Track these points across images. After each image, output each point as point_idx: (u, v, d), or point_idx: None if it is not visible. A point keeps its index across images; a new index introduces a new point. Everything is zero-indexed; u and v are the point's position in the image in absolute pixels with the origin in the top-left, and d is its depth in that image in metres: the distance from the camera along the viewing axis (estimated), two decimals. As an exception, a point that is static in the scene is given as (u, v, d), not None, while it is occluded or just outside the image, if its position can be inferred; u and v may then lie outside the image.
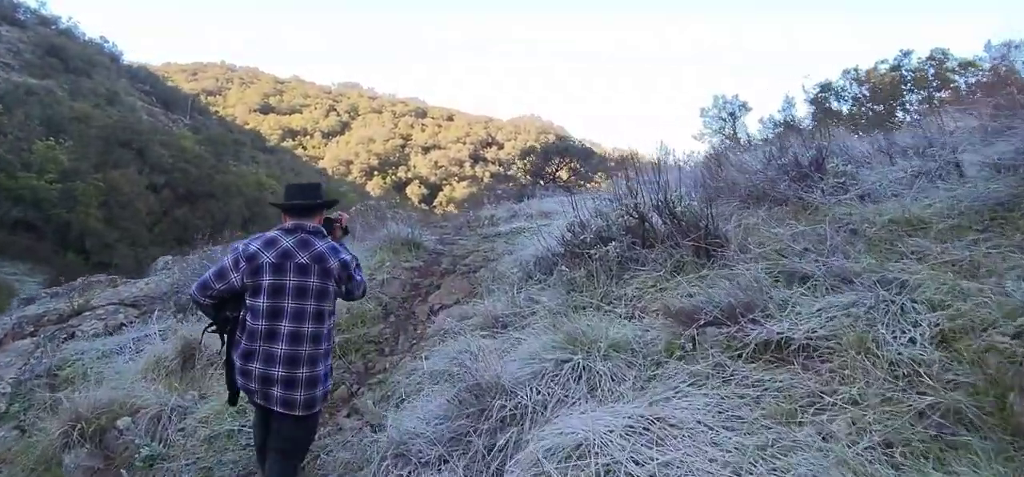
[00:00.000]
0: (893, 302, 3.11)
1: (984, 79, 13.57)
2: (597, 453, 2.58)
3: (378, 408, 4.23)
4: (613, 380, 3.26)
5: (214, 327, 3.38)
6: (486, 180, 78.92)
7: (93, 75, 49.39)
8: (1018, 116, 5.13)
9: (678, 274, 4.26)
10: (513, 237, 7.68)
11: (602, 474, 2.50)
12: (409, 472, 3.26)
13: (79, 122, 34.44)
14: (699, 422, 2.69)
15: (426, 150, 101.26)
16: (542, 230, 7.46)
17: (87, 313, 7.74)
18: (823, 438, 2.46)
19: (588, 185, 15.54)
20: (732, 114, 13.78)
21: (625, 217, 4.77)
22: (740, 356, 3.08)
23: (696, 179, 6.22)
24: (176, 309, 6.73)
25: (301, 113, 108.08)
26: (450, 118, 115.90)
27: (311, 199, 3.41)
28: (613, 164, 16.27)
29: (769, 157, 5.60)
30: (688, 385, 3.02)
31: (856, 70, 15.17)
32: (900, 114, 13.83)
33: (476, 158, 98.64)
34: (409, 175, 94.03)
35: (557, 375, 3.35)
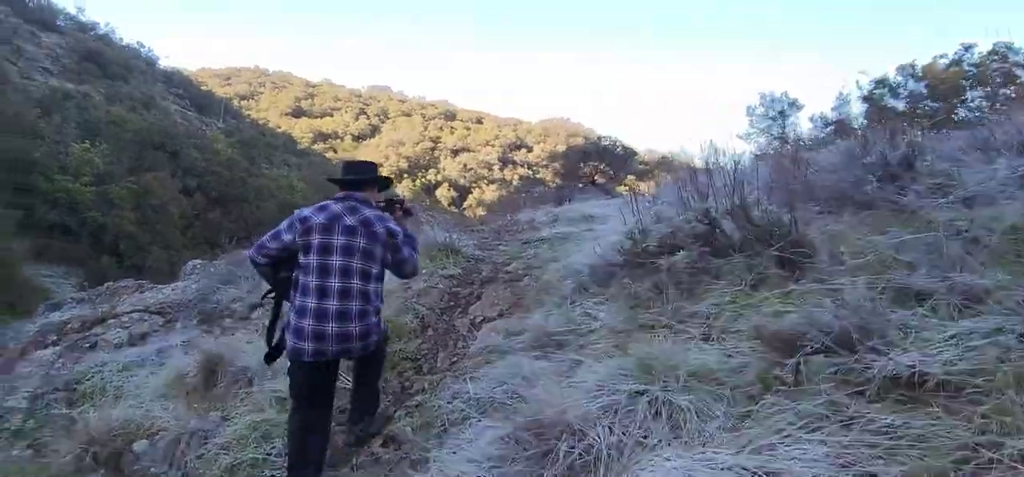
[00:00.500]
0: (1050, 329, 2.54)
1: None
2: (699, 520, 2.07)
3: (418, 437, 3.76)
4: (699, 418, 2.74)
5: (272, 293, 3.67)
6: (515, 183, 78.56)
7: (129, 80, 50.08)
8: None
9: (760, 288, 3.72)
10: (557, 243, 7.19)
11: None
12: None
13: (115, 126, 34.76)
14: (822, 480, 2.17)
15: (455, 153, 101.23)
16: (590, 236, 6.99)
17: (111, 321, 7.41)
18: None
19: (625, 187, 14.97)
20: (781, 112, 13.08)
21: (693, 223, 4.23)
22: (862, 393, 2.53)
23: (760, 181, 5.65)
24: (200, 319, 6.35)
25: (332, 116, 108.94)
26: (479, 120, 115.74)
27: (362, 174, 3.72)
28: (648, 166, 15.68)
29: (850, 155, 5.01)
30: (797, 428, 2.48)
31: (912, 66, 14.36)
32: (962, 112, 12.99)
33: (505, 161, 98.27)
34: (438, 178, 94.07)
35: (632, 410, 2.84)
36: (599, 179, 14.15)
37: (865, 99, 14.15)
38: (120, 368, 5.78)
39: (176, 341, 5.92)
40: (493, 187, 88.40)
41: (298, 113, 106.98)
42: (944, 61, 14.19)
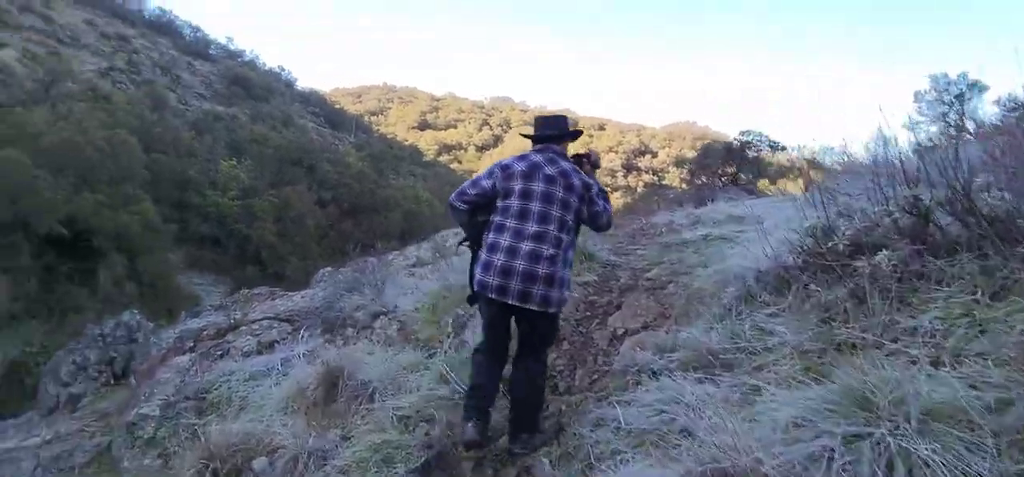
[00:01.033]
0: None
1: None
2: None
3: (559, 473, 3.18)
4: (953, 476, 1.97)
5: (467, 242, 3.71)
6: (640, 189, 76.86)
7: (271, 100, 53.61)
8: None
9: (1003, 298, 2.83)
10: (703, 245, 6.41)
11: None
12: None
13: (257, 144, 37.21)
14: None
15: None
16: (742, 238, 6.16)
17: (243, 328, 7.42)
18: None
19: (772, 187, 13.74)
20: (960, 95, 11.37)
21: (896, 215, 3.38)
22: None
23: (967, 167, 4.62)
24: (324, 328, 6.13)
25: (456, 128, 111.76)
26: (602, 127, 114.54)
27: (556, 129, 3.72)
28: (794, 164, 14.32)
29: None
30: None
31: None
32: None
33: (629, 167, 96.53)
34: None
35: (853, 461, 2.10)
36: (741, 179, 13.03)
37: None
38: (246, 377, 5.63)
39: (300, 350, 5.70)
40: (617, 194, 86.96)
41: (424, 126, 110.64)
42: None
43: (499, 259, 3.34)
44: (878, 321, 2.93)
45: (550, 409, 4.01)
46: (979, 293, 2.87)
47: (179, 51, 55.61)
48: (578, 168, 3.67)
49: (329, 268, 12.85)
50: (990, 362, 2.48)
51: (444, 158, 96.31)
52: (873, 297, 3.03)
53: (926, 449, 2.05)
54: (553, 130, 3.71)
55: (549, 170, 3.49)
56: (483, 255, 3.45)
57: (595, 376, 4.21)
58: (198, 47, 60.42)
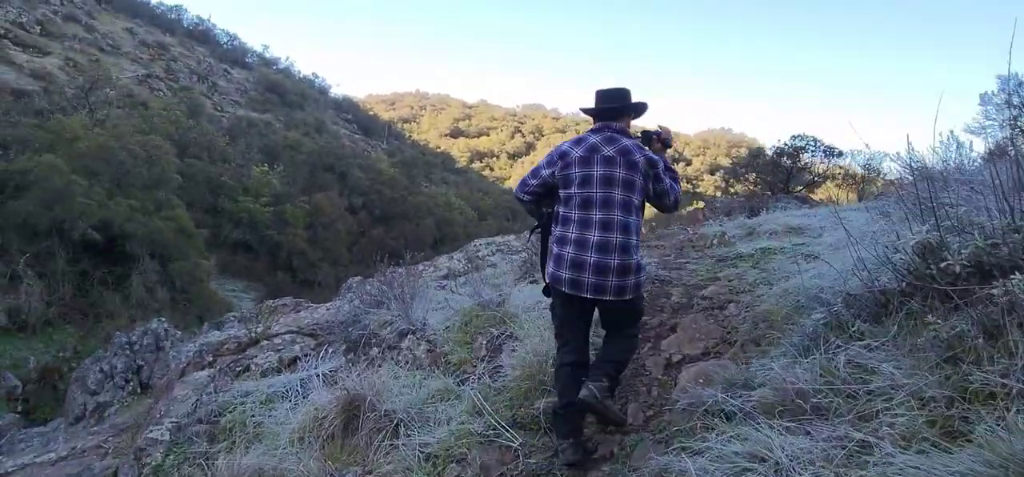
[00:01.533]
0: None
1: None
2: None
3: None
4: None
5: (539, 229, 3.67)
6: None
7: (305, 107, 53.94)
8: None
9: None
10: (763, 260, 5.80)
11: None
12: None
13: (290, 150, 37.29)
14: None
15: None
16: (804, 251, 5.56)
17: (264, 343, 7.01)
18: None
19: (829, 196, 12.95)
20: (1030, 97, 10.53)
21: (1028, 230, 2.77)
22: None
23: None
24: (347, 346, 5.65)
25: (488, 136, 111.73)
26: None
27: (616, 102, 3.53)
28: (846, 172, 13.56)
29: None
30: None
31: None
32: None
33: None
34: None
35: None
36: (794, 188, 12.29)
37: None
38: (263, 400, 5.19)
39: (320, 370, 5.24)
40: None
41: (456, 133, 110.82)
42: None
43: (569, 252, 3.26)
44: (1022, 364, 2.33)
45: (599, 451, 3.48)
46: None
47: (216, 59, 56.35)
48: (643, 146, 3.50)
49: (358, 278, 12.48)
50: None
51: (476, 165, 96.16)
52: (1011, 332, 2.44)
53: None
54: (613, 104, 3.52)
55: (608, 151, 3.34)
56: (554, 248, 3.38)
57: (651, 412, 3.66)
58: (235, 55, 61.20)
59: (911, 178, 6.47)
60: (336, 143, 44.90)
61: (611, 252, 3.21)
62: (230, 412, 5.15)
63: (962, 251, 2.88)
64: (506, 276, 7.00)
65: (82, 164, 21.35)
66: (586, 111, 3.61)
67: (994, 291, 2.51)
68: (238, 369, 6.49)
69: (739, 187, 14.45)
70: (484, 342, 4.82)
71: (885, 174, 12.35)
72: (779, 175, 12.35)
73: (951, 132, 8.84)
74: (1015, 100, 11.26)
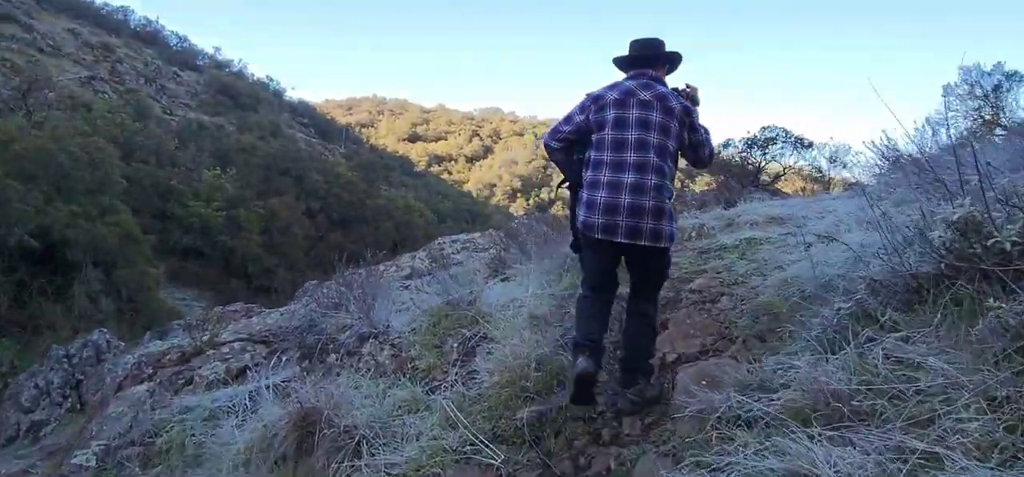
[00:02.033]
0: None
1: None
2: None
3: None
4: None
5: (567, 183, 3.50)
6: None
7: (259, 110, 52.44)
8: None
9: None
10: (749, 250, 5.45)
11: None
12: None
13: (244, 153, 36.10)
14: None
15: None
16: (793, 241, 5.21)
17: (211, 352, 6.39)
18: None
19: (797, 186, 12.80)
20: (996, 87, 10.46)
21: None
22: None
23: None
24: (302, 353, 5.09)
25: (446, 139, 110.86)
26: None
27: (652, 50, 3.43)
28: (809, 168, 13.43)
29: None
30: None
31: None
32: None
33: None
34: (552, 196, 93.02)
35: None
36: (764, 178, 12.08)
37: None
38: (206, 416, 4.62)
39: (270, 381, 4.68)
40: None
41: (414, 138, 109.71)
42: None
43: (602, 196, 3.11)
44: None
45: (593, 467, 3.03)
46: None
47: (165, 61, 54.49)
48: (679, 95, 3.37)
49: (315, 281, 11.82)
50: None
51: (435, 169, 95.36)
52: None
53: None
54: (647, 51, 3.40)
55: (644, 95, 3.23)
56: (584, 194, 3.21)
57: (650, 419, 3.22)
58: (185, 56, 59.31)
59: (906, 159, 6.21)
60: (292, 147, 43.71)
61: (647, 194, 3.05)
62: (168, 431, 4.57)
63: (1010, 226, 2.52)
64: (476, 274, 6.51)
65: (18, 167, 20.09)
66: (618, 62, 3.46)
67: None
68: (180, 382, 5.88)
69: (699, 184, 14.27)
70: (455, 344, 4.33)
71: (851, 166, 12.27)
72: (746, 172, 12.13)
73: (927, 120, 8.65)
74: (978, 91, 11.25)
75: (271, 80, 67.33)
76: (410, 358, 4.38)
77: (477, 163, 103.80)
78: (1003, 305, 2.23)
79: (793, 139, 11.92)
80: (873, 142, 7.92)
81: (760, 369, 2.95)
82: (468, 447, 3.22)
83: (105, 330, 11.65)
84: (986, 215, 2.54)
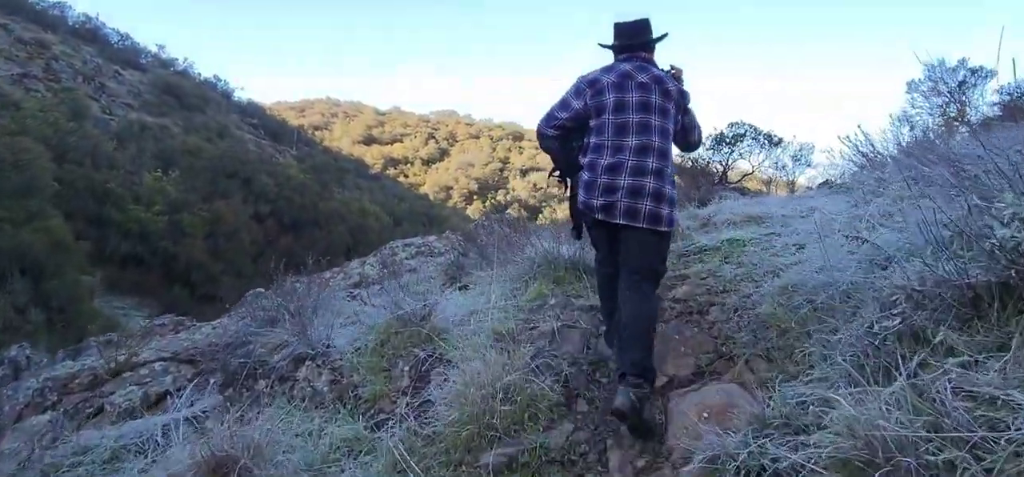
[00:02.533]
0: None
1: None
2: None
3: None
4: None
5: (558, 172, 3.49)
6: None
7: (206, 111, 50.51)
8: None
9: None
10: (732, 252, 4.94)
11: None
12: None
13: (189, 155, 34.50)
14: None
15: (524, 173, 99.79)
16: (779, 241, 4.75)
17: (128, 374, 5.59)
18: None
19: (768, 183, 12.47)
20: (961, 83, 10.28)
21: None
22: None
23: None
24: (225, 379, 4.36)
25: (402, 142, 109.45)
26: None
27: (640, 37, 3.31)
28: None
29: None
30: None
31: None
32: None
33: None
34: (508, 198, 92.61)
35: None
36: (730, 176, 11.70)
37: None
38: (108, 456, 3.86)
39: (191, 411, 3.96)
40: (565, 206, 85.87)
41: (369, 141, 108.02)
42: None
43: (602, 179, 3.03)
44: None
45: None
46: None
47: (106, 59, 52.08)
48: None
49: (260, 289, 10.97)
50: None
51: (391, 172, 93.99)
52: None
53: None
54: (636, 39, 3.29)
55: (642, 78, 3.15)
56: (584, 176, 3.14)
57: (643, 462, 2.64)
58: (127, 55, 56.71)
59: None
60: (240, 148, 42.13)
61: (647, 175, 2.98)
62: (63, 473, 3.80)
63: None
64: (431, 282, 5.86)
65: (-68, 169, 18.62)
66: (607, 46, 3.38)
67: None
68: (89, 411, 5.08)
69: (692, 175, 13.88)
70: (406, 368, 3.68)
71: (816, 164, 12.04)
72: (709, 172, 11.77)
73: (903, 113, 8.31)
74: (942, 88, 11.08)
75: (219, 79, 65.11)
76: (352, 385, 3.69)
77: (433, 166, 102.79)
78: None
79: (762, 136, 11.60)
80: (848, 137, 7.56)
81: (780, 401, 2.39)
82: (422, 503, 2.59)
83: (25, 345, 10.59)
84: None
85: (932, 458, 1.76)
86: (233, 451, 2.80)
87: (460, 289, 5.34)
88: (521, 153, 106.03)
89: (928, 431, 1.84)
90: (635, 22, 3.34)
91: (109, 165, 29.40)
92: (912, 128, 7.13)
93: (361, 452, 3.03)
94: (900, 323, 2.25)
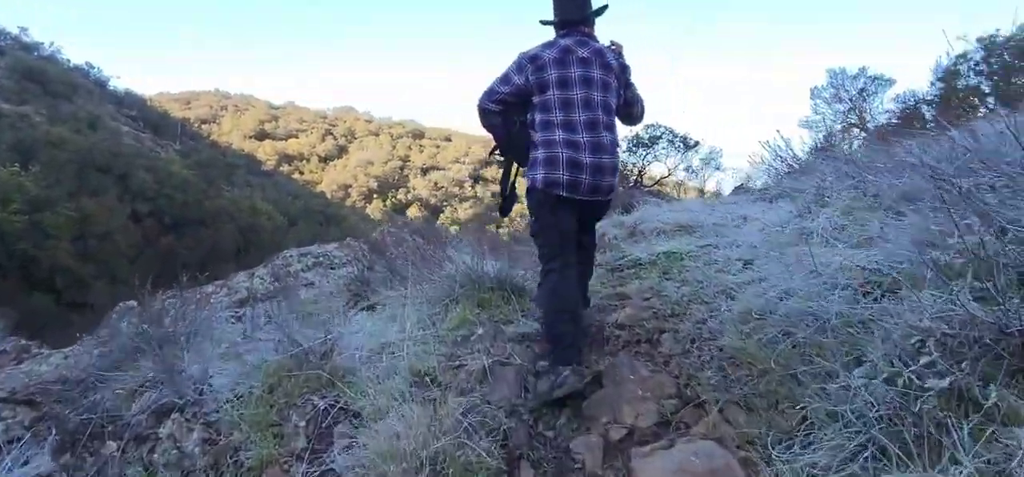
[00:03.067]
0: None
1: None
2: None
3: None
4: None
5: (498, 151, 3.35)
6: (488, 201, 76.41)
7: (74, 99, 46.29)
8: None
9: None
10: (671, 267, 4.49)
11: None
12: None
13: (53, 147, 31.28)
14: None
15: (425, 171, 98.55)
16: (719, 254, 4.37)
17: (-56, 422, 4.48)
18: None
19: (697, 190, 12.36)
20: (862, 90, 10.51)
21: None
22: None
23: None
24: (62, 439, 3.41)
25: (297, 138, 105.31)
26: (448, 138, 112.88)
27: (579, 12, 3.26)
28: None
29: None
30: None
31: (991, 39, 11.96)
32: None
33: (477, 178, 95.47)
34: (409, 197, 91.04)
35: None
36: (650, 183, 11.49)
37: (941, 79, 11.57)
38: None
39: (21, 474, 3.05)
40: (466, 205, 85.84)
41: (262, 136, 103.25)
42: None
43: (563, 153, 3.00)
44: None
45: None
46: None
47: (-45, 42, 46.79)
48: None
49: (134, 302, 9.67)
50: None
51: (285, 169, 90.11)
52: None
53: None
54: (576, 13, 3.24)
55: (582, 52, 3.13)
56: (540, 153, 3.08)
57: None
58: (-17, 38, 51.38)
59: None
60: (114, 141, 38.73)
61: (605, 152, 3.05)
62: None
63: None
64: (331, 300, 5.08)
65: None
66: (546, 23, 3.33)
67: None
68: None
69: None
70: (302, 424, 2.94)
71: (726, 168, 12.08)
72: (624, 177, 11.54)
73: (830, 118, 8.27)
74: (844, 95, 11.33)
75: (91, 67, 60.00)
76: (232, 447, 2.91)
77: (331, 163, 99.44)
78: None
79: (680, 138, 11.45)
80: (768, 142, 7.38)
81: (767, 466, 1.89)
82: None
83: None
84: None
85: None
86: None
87: (367, 310, 4.64)
88: (422, 152, 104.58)
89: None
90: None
91: (-48, 158, 26.17)
92: (830, 134, 7.01)
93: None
94: (947, 383, 1.79)
